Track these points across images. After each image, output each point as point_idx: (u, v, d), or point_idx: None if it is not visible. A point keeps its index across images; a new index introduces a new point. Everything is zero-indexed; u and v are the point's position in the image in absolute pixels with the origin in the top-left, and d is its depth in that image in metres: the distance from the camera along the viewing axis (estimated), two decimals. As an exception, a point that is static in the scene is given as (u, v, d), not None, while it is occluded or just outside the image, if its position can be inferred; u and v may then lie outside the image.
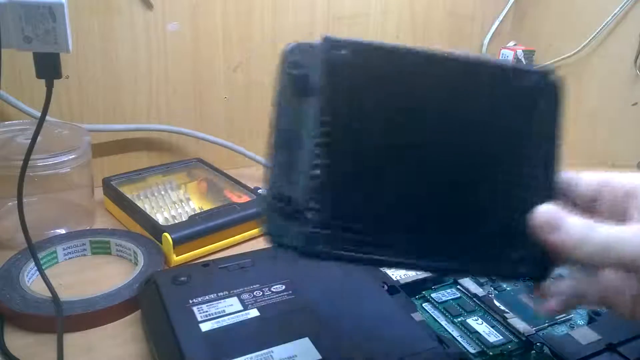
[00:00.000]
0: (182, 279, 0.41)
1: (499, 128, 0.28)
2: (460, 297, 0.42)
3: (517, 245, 0.28)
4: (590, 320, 0.40)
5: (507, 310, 0.40)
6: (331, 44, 0.26)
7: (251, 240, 0.56)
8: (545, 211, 0.27)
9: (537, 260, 0.28)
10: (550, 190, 0.29)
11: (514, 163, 0.28)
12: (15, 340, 0.40)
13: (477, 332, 0.38)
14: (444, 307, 0.41)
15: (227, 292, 0.40)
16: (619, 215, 0.28)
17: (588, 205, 0.29)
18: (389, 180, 0.26)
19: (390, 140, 0.26)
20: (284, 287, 0.41)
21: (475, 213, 0.28)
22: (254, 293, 0.40)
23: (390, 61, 0.26)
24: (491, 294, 0.42)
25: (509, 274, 0.29)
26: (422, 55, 0.27)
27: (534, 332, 0.38)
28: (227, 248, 0.54)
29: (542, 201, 0.27)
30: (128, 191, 0.59)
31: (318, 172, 0.25)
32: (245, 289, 0.40)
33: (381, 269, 0.43)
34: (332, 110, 0.25)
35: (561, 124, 0.29)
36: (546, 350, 0.37)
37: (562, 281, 0.30)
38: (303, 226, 0.25)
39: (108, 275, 0.48)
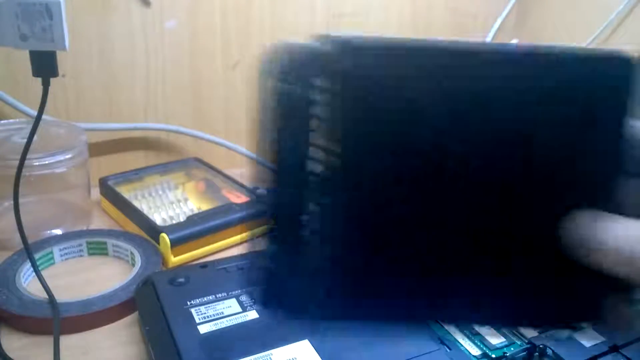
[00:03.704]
0: (180, 280, 0.41)
1: (557, 137, 0.22)
2: (461, 299, 0.42)
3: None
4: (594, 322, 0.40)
5: (509, 312, 0.40)
6: (339, 46, 0.20)
7: (250, 241, 0.55)
8: (577, 225, 0.21)
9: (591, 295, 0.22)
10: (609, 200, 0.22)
11: (576, 180, 0.22)
12: (11, 342, 0.40)
13: (479, 334, 0.38)
14: (445, 308, 0.41)
15: (225, 294, 0.39)
16: None
17: None
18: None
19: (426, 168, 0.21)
20: (283, 288, 0.40)
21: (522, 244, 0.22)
22: (253, 294, 0.39)
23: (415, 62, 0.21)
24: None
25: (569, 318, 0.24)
26: (450, 51, 0.21)
27: (537, 334, 0.38)
28: (226, 249, 0.53)
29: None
30: (125, 191, 0.58)
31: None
32: (244, 290, 0.40)
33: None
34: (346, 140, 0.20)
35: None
36: (549, 352, 0.36)
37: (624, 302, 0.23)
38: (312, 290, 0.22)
39: (105, 277, 0.47)
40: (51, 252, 0.49)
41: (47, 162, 0.50)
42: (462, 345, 0.37)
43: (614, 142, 0.22)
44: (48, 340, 0.39)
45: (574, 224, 0.21)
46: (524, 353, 0.37)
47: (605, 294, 0.22)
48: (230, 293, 0.40)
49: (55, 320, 0.40)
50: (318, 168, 0.21)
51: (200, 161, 0.66)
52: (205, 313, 0.37)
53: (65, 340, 0.40)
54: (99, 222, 0.57)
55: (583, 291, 0.22)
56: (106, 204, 0.59)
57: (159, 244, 0.50)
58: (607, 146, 0.22)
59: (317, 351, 0.34)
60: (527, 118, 0.21)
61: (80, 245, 0.50)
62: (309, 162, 0.21)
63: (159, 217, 0.55)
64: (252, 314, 0.37)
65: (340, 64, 0.20)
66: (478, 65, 0.21)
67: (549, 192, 0.22)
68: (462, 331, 0.38)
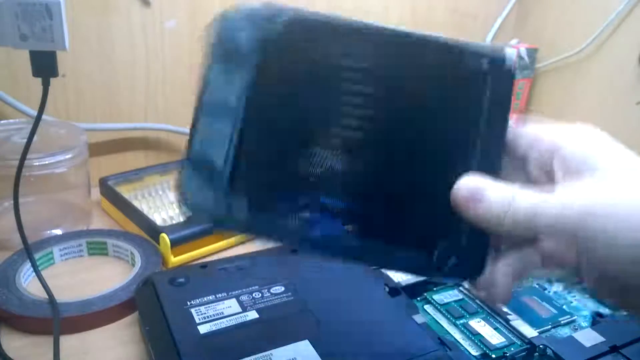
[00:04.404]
0: (180, 280, 0.41)
1: (435, 111, 0.26)
2: (462, 299, 0.42)
3: (445, 235, 0.26)
4: (594, 322, 0.40)
5: (509, 312, 0.40)
6: (268, 12, 0.25)
7: (250, 242, 0.55)
8: (465, 183, 0.25)
9: (468, 252, 0.26)
10: (492, 169, 0.26)
11: (451, 152, 0.26)
12: (11, 342, 0.40)
13: (479, 334, 0.38)
14: (445, 309, 0.41)
15: (225, 294, 0.39)
16: (549, 175, 0.25)
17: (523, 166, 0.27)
18: (306, 157, 0.25)
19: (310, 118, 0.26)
20: (283, 288, 0.40)
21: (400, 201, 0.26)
22: (253, 295, 0.39)
23: (325, 34, 0.26)
24: (493, 295, 0.42)
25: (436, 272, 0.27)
26: (358, 28, 0.26)
27: (537, 334, 0.38)
28: (226, 249, 0.53)
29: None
30: (125, 191, 0.58)
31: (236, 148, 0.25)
32: (244, 290, 0.40)
33: (383, 270, 0.42)
34: (260, 85, 0.25)
35: (510, 107, 0.26)
36: (549, 352, 0.36)
37: (497, 268, 0.25)
38: (220, 192, 0.25)
39: (105, 277, 0.47)
40: (51, 252, 0.49)
41: (47, 162, 0.50)
42: (462, 345, 0.37)
43: (500, 123, 0.26)
44: (48, 340, 0.39)
45: (461, 183, 0.25)
46: (524, 353, 0.37)
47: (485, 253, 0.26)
48: (230, 293, 0.40)
49: (55, 320, 0.40)
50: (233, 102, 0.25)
51: (200, 161, 0.66)
52: (205, 313, 0.37)
53: (65, 340, 0.39)
54: (99, 222, 0.57)
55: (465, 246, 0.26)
56: (106, 204, 0.59)
57: (159, 244, 0.50)
58: (494, 125, 0.26)
59: (317, 351, 0.34)
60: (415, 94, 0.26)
61: (80, 245, 0.50)
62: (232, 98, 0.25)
63: (159, 217, 0.55)
64: (252, 314, 0.37)
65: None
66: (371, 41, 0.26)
67: (439, 155, 0.26)
68: (462, 331, 0.38)
